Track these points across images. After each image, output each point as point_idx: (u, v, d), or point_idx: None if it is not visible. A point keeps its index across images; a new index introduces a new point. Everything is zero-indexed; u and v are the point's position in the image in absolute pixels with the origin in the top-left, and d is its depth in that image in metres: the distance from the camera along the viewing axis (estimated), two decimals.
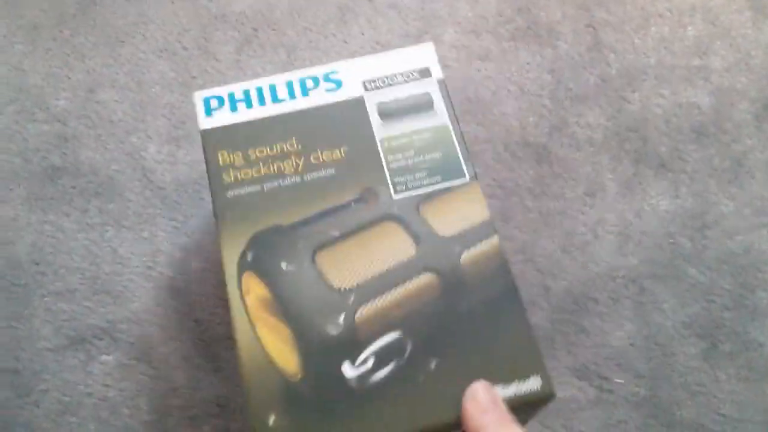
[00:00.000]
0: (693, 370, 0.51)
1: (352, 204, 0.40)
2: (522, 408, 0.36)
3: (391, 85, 0.44)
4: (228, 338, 0.52)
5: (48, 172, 0.57)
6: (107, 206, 0.55)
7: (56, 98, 0.59)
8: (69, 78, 0.60)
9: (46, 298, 0.53)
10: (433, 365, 0.36)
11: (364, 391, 0.35)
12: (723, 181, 0.57)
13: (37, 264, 0.54)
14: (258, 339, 0.37)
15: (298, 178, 0.41)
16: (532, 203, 0.56)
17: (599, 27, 0.63)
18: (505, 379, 0.36)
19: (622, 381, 0.51)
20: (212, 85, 0.59)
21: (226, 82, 0.60)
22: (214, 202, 0.41)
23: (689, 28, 0.63)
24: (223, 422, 0.50)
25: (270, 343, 0.37)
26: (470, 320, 0.37)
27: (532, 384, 0.36)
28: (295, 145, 0.42)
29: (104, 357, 0.52)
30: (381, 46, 0.61)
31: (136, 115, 0.58)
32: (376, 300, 0.38)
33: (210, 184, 0.41)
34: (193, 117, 0.58)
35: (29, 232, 0.55)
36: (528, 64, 0.61)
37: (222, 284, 0.40)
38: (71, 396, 0.51)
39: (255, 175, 0.41)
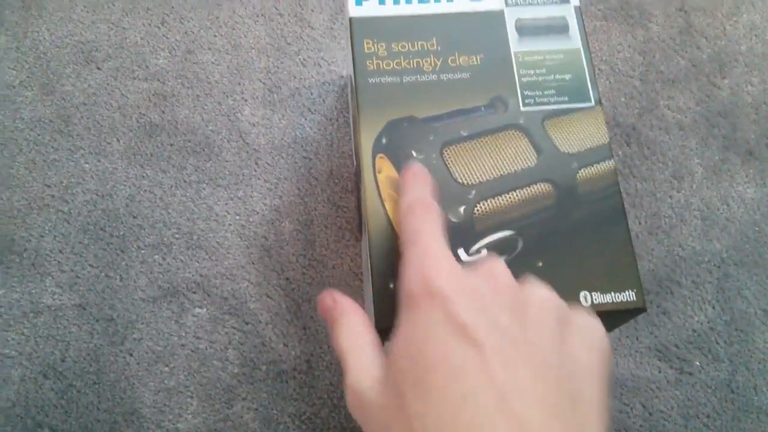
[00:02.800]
0: None
1: (482, 108, 0.43)
2: (613, 315, 0.39)
3: (531, 4, 0.46)
4: (316, 297, 0.53)
5: (146, 129, 0.58)
6: (204, 165, 0.57)
7: (155, 57, 0.61)
8: (167, 38, 0.61)
9: (142, 250, 0.55)
10: (539, 264, 0.39)
11: None
12: None
13: (135, 217, 0.56)
14: (385, 213, 0.40)
15: (434, 76, 0.44)
16: (620, 183, 0.56)
17: (691, 11, 0.63)
18: (603, 289, 0.39)
19: (701, 364, 0.52)
20: (307, 53, 0.61)
21: (319, 50, 0.61)
22: (356, 86, 0.44)
23: None
24: (309, 379, 0.51)
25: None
26: (578, 231, 0.40)
27: (627, 296, 0.39)
28: (435, 46, 0.45)
29: (197, 310, 0.53)
30: None
31: (233, 78, 0.60)
32: (495, 199, 0.41)
33: (354, 68, 0.44)
34: (288, 82, 0.59)
35: (127, 186, 0.57)
36: (620, 44, 0.61)
37: (354, 166, 0.41)
38: (164, 346, 0.53)
39: (396, 67, 0.44)
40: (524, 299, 0.31)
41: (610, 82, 0.60)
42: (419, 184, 0.37)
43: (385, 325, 0.38)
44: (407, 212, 0.35)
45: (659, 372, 0.52)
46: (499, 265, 0.32)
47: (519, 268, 0.39)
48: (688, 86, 0.60)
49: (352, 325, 0.35)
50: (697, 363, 0.52)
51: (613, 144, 0.57)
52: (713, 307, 0.53)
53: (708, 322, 0.53)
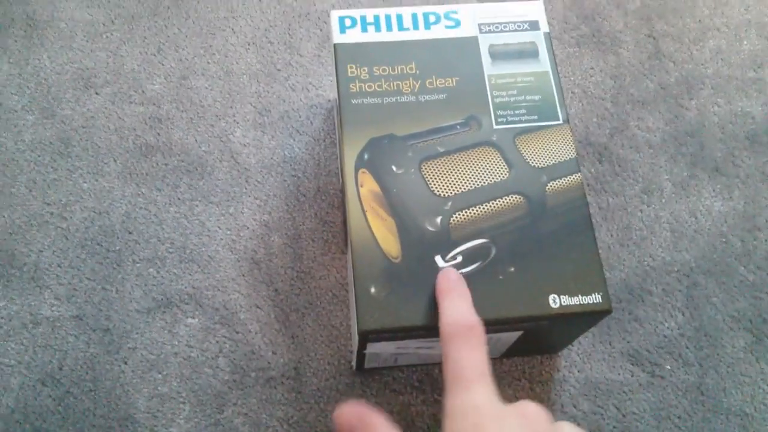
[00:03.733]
0: (740, 362, 0.54)
1: (458, 127, 0.47)
2: (581, 317, 0.42)
3: (503, 30, 0.50)
4: (305, 306, 0.56)
5: (142, 150, 0.61)
6: (197, 183, 0.60)
7: (151, 83, 0.64)
8: (163, 65, 0.65)
9: (137, 264, 0.57)
10: (511, 269, 0.43)
11: None
12: None
13: (130, 233, 0.58)
14: (367, 224, 0.44)
15: (413, 98, 0.48)
16: (593, 198, 0.59)
17: (659, 37, 0.66)
18: (571, 292, 0.42)
19: (672, 368, 0.54)
20: (296, 78, 0.64)
21: (307, 76, 0.64)
22: (340, 107, 0.47)
23: (744, 42, 0.66)
24: (297, 385, 0.54)
25: (377, 229, 0.43)
26: (548, 239, 0.44)
27: (594, 298, 0.42)
28: (414, 69, 0.49)
29: (189, 320, 0.56)
30: None
31: (225, 102, 0.63)
32: (470, 210, 0.44)
33: (338, 90, 0.48)
34: (278, 105, 0.63)
35: (123, 204, 0.59)
36: (592, 69, 0.64)
37: (340, 183, 0.44)
38: (157, 354, 0.55)
39: (377, 89, 0.48)
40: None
41: (582, 104, 0.63)
42: (460, 298, 0.40)
43: (368, 327, 0.41)
44: (451, 337, 0.37)
45: (632, 376, 0.54)
46: (531, 405, 0.34)
47: (492, 273, 0.42)
48: (657, 107, 0.63)
49: None
50: (668, 367, 0.54)
51: (585, 162, 0.61)
52: (683, 314, 0.56)
53: (678, 328, 0.55)
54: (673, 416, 0.53)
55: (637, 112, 0.63)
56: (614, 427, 0.52)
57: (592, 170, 0.60)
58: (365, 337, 0.42)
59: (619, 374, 0.54)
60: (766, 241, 0.58)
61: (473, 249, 0.43)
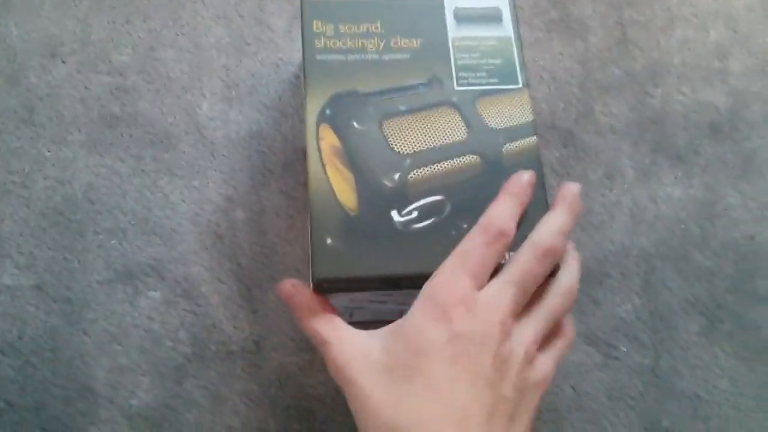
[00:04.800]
0: (693, 345, 0.56)
1: (420, 87, 0.48)
2: None
3: None
4: (268, 281, 0.56)
5: (107, 120, 0.61)
6: (161, 155, 0.60)
7: (118, 53, 0.63)
8: (131, 35, 0.64)
9: (99, 235, 0.57)
10: (465, 226, 0.43)
11: (406, 234, 0.43)
12: (733, 176, 0.61)
13: (92, 203, 0.58)
14: (326, 177, 0.44)
15: (377, 56, 0.48)
16: (556, 182, 0.60)
17: (628, 25, 0.67)
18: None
19: (627, 350, 0.55)
20: (265, 53, 0.64)
21: (277, 51, 0.64)
22: (304, 62, 0.48)
23: (711, 32, 0.67)
24: (257, 359, 0.54)
25: (336, 182, 0.44)
26: None
27: None
28: (379, 29, 0.49)
29: (151, 293, 0.56)
30: None
31: (193, 75, 0.62)
32: (428, 167, 0.45)
33: (303, 46, 0.48)
34: (246, 80, 0.62)
35: (86, 174, 0.59)
36: (560, 54, 0.65)
37: (301, 137, 0.44)
38: (118, 326, 0.55)
39: (342, 46, 0.48)
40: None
41: (550, 89, 0.63)
42: (512, 203, 0.42)
43: (322, 276, 0.41)
44: (479, 230, 0.41)
45: (587, 356, 0.55)
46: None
47: (446, 229, 0.43)
48: (623, 94, 0.64)
49: (318, 307, 0.43)
50: (624, 349, 0.55)
51: (550, 146, 0.61)
52: (640, 298, 0.57)
53: (634, 311, 0.56)
54: (627, 397, 0.54)
55: (603, 98, 0.63)
56: (569, 405, 0.53)
57: (557, 154, 0.61)
58: (320, 287, 0.42)
59: (575, 355, 0.55)
60: (723, 228, 0.59)
61: (429, 205, 0.44)
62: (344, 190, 0.44)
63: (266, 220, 0.58)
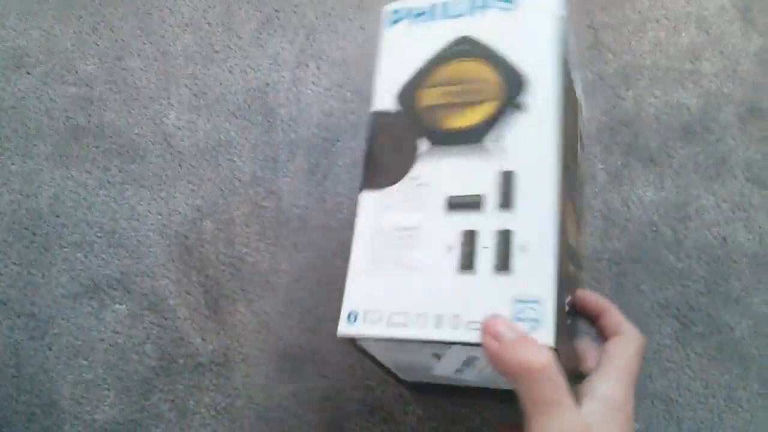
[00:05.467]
0: (666, 348, 0.55)
1: None
2: None
3: None
4: (236, 294, 0.55)
5: (73, 132, 0.60)
6: (128, 167, 0.59)
7: (85, 63, 0.62)
8: (98, 45, 0.63)
9: (64, 249, 0.56)
10: None
11: None
12: (706, 177, 0.60)
13: (58, 216, 0.57)
14: None
15: None
16: None
17: (599, 28, 0.66)
18: None
19: None
20: (234, 60, 0.63)
21: (246, 58, 0.63)
22: None
23: (683, 34, 0.66)
24: (225, 371, 0.53)
25: None
26: None
27: None
28: None
29: (117, 306, 0.55)
30: None
31: (160, 84, 0.62)
32: None
33: None
34: (214, 88, 0.62)
35: (52, 186, 0.58)
36: None
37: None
38: (83, 341, 0.54)
39: None
40: None
41: None
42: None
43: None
44: None
45: None
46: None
47: None
48: (594, 97, 0.63)
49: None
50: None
51: None
52: (612, 301, 0.56)
53: None
54: None
55: None
56: None
57: None
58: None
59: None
60: (696, 230, 0.59)
61: None
62: None
63: (235, 231, 0.57)
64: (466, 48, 0.45)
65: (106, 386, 0.53)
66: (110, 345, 0.54)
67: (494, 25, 0.45)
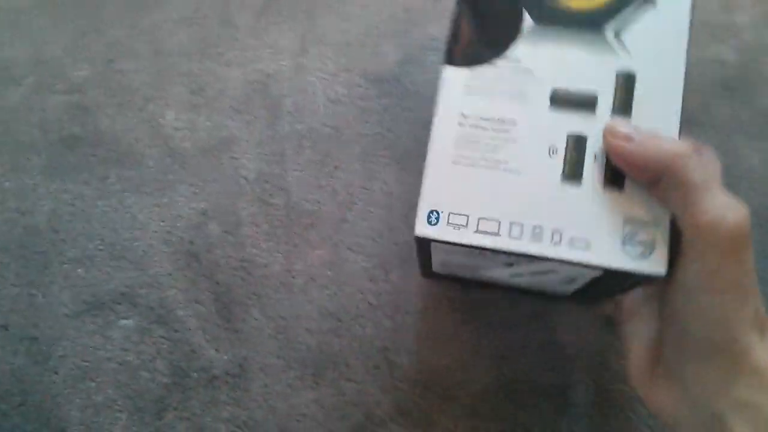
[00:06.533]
0: None
1: None
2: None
3: None
4: (249, 299, 0.51)
5: (67, 142, 0.57)
6: (127, 173, 0.55)
7: (76, 69, 0.59)
8: (88, 49, 0.60)
9: (65, 265, 0.53)
10: None
11: None
12: (750, 136, 0.55)
13: (56, 232, 0.54)
14: None
15: None
16: None
17: None
18: None
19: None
20: (231, 53, 0.59)
21: (243, 50, 0.59)
22: None
23: None
24: (242, 382, 0.49)
25: None
26: None
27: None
28: None
29: (123, 321, 0.51)
30: (401, 10, 0.60)
31: (155, 84, 0.58)
32: None
33: None
34: (212, 84, 0.58)
35: (48, 201, 0.55)
36: None
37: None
38: (90, 361, 0.50)
39: None
40: None
41: None
42: None
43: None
44: None
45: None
46: None
47: None
48: None
49: None
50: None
51: None
52: None
53: None
54: None
55: None
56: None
57: None
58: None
59: (530, 359, 0.49)
60: (743, 193, 0.53)
61: None
62: None
63: (243, 232, 0.53)
64: None
65: (118, 408, 0.49)
66: (119, 364, 0.50)
67: None
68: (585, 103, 0.35)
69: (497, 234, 0.33)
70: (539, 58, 0.36)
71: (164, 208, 0.54)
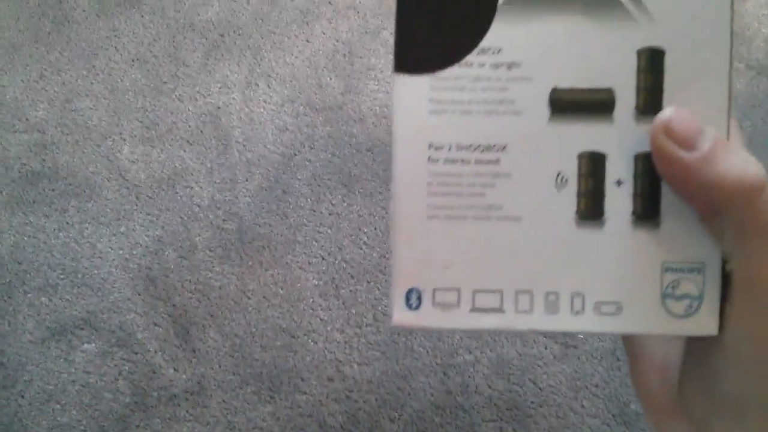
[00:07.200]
0: None
1: None
2: None
3: None
4: (205, 320, 0.54)
5: (28, 178, 0.59)
6: (85, 205, 0.58)
7: (34, 109, 0.62)
8: (46, 90, 0.63)
9: (29, 294, 0.55)
10: None
11: None
12: None
13: (20, 263, 0.56)
14: None
15: None
16: None
17: None
18: None
19: (585, 337, 0.53)
20: (182, 89, 0.62)
21: (194, 85, 0.62)
22: None
23: None
24: (202, 399, 0.51)
25: None
26: None
27: None
28: None
29: (85, 346, 0.53)
30: (342, 43, 0.64)
31: (111, 120, 0.61)
32: None
33: None
34: (165, 118, 0.61)
35: (11, 234, 0.57)
36: None
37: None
38: (54, 384, 0.52)
39: None
40: None
41: None
42: None
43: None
44: None
45: (545, 348, 0.53)
46: None
47: None
48: None
49: None
50: (581, 336, 0.53)
51: None
52: None
53: None
54: (590, 384, 0.51)
55: None
56: (532, 402, 0.51)
57: None
58: None
59: (532, 348, 0.53)
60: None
61: None
62: None
63: (198, 256, 0.56)
64: None
65: (82, 428, 0.51)
66: (82, 386, 0.52)
67: None
68: (598, 105, 0.22)
69: (500, 311, 0.23)
70: (528, 44, 0.22)
71: (122, 237, 0.57)
